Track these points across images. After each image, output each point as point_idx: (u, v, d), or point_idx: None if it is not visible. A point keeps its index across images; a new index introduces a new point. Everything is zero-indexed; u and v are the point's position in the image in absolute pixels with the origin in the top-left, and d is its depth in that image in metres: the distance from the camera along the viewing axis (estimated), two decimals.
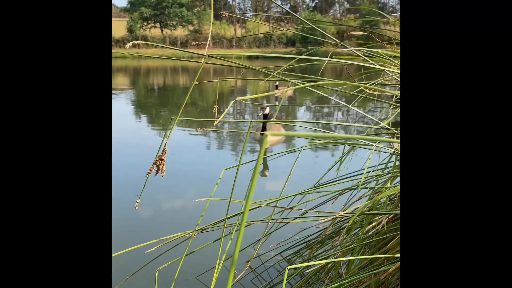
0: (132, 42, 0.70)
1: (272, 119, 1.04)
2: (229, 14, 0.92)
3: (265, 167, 3.97)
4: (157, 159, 0.75)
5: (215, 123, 0.83)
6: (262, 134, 5.13)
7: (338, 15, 59.06)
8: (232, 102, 0.81)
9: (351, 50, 1.21)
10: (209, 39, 0.82)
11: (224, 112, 0.77)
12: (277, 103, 8.65)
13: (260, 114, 4.98)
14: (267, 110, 4.81)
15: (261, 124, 4.94)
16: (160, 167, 0.75)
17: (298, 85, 0.94)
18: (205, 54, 0.77)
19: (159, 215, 2.93)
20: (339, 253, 1.21)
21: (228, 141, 5.33)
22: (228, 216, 0.87)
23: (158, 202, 3.16)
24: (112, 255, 0.99)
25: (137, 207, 0.75)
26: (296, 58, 1.08)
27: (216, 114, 0.78)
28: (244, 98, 0.76)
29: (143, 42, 0.68)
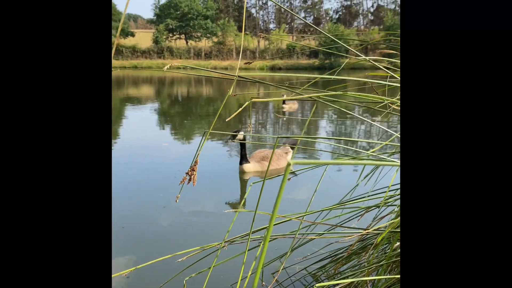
0: (170, 65, 0.72)
1: (293, 136, 1.04)
2: (266, 36, 0.93)
3: (241, 200, 3.44)
4: (189, 169, 0.76)
5: (227, 120, 0.83)
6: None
7: (362, 27, 58.80)
8: (247, 102, 0.82)
9: (373, 63, 1.20)
10: (240, 53, 0.83)
11: (238, 111, 0.78)
12: (284, 118, 8.66)
13: (230, 141, 4.38)
14: (241, 136, 4.19)
15: (240, 153, 4.27)
16: (192, 177, 0.76)
17: (306, 97, 0.94)
18: (236, 75, 0.78)
19: (178, 223, 2.95)
20: (366, 270, 1.18)
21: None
22: (254, 230, 0.87)
23: (178, 210, 3.19)
24: (137, 266, 1.00)
25: (177, 200, 0.77)
26: (318, 77, 1.08)
27: (250, 130, 0.78)
28: (259, 100, 0.78)
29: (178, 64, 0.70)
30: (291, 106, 9.85)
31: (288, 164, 0.34)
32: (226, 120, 0.73)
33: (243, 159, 4.21)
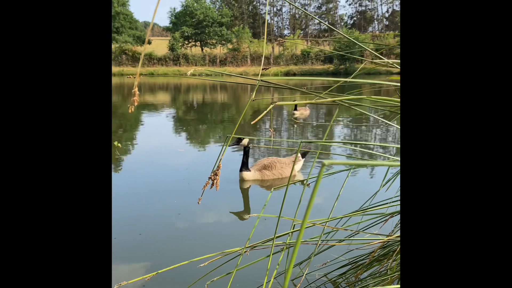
0: (193, 69, 0.72)
1: (320, 140, 1.03)
2: (284, 41, 0.93)
3: (246, 210, 3.43)
4: (212, 174, 0.76)
5: (252, 122, 0.83)
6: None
7: (377, 32, 58.43)
8: (270, 106, 0.81)
9: (388, 64, 1.18)
10: (262, 61, 0.83)
11: (262, 115, 0.78)
12: (296, 126, 8.61)
13: (233, 146, 4.24)
14: (245, 141, 4.12)
15: (242, 160, 4.21)
16: (215, 181, 0.76)
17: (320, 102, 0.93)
18: (258, 79, 0.78)
19: (193, 230, 2.96)
20: (389, 277, 1.15)
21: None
22: (278, 235, 0.86)
23: (193, 217, 3.20)
24: (159, 270, 1.01)
25: (199, 202, 0.77)
26: (342, 80, 1.07)
27: (272, 135, 0.78)
28: (281, 104, 0.79)
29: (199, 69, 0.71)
30: (302, 113, 9.72)
31: (323, 165, 0.33)
32: (251, 123, 0.73)
33: (244, 166, 4.18)
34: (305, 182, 0.88)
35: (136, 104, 0.56)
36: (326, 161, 0.30)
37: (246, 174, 4.18)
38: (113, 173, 4.61)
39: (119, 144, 5.55)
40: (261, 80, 0.77)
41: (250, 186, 4.11)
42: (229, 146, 4.44)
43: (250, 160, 4.89)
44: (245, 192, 3.96)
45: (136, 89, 0.55)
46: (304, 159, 4.66)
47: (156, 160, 5.30)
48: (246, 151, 4.21)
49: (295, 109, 9.75)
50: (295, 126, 8.55)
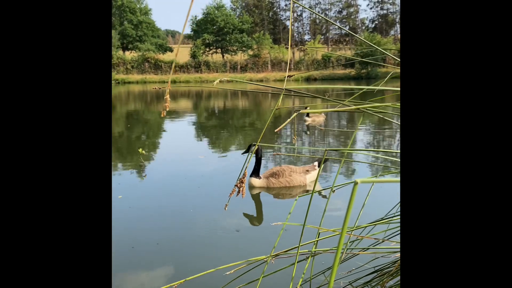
0: (219, 80, 0.74)
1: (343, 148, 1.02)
2: (306, 48, 0.93)
3: (259, 217, 3.47)
4: (238, 181, 0.77)
5: (276, 130, 0.84)
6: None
7: (399, 36, 57.50)
8: (294, 115, 0.82)
9: None
10: (287, 69, 0.84)
11: (285, 123, 0.79)
12: (308, 132, 8.50)
13: (245, 154, 4.32)
14: (254, 148, 4.13)
15: (254, 167, 4.29)
16: (241, 189, 0.77)
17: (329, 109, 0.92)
18: (283, 88, 0.79)
19: (212, 236, 2.97)
20: None
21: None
22: (303, 243, 0.86)
23: (213, 221, 3.22)
24: (188, 278, 1.02)
25: (226, 208, 0.78)
26: (365, 88, 1.07)
27: (295, 143, 0.79)
28: (305, 112, 0.80)
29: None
30: (314, 119, 9.50)
31: (356, 183, 0.34)
32: (275, 131, 0.74)
33: (254, 173, 4.25)
34: (330, 191, 0.88)
35: (167, 109, 0.58)
36: (358, 180, 0.30)
37: (255, 181, 4.26)
38: (138, 181, 4.70)
39: (144, 151, 5.64)
40: (286, 89, 0.78)
41: (260, 192, 4.13)
42: (242, 154, 4.50)
43: (269, 165, 4.87)
44: (255, 198, 3.98)
45: (168, 96, 0.57)
46: (319, 168, 4.56)
47: (179, 168, 5.37)
48: (258, 158, 4.29)
49: (307, 115, 9.51)
50: (308, 133, 8.45)
